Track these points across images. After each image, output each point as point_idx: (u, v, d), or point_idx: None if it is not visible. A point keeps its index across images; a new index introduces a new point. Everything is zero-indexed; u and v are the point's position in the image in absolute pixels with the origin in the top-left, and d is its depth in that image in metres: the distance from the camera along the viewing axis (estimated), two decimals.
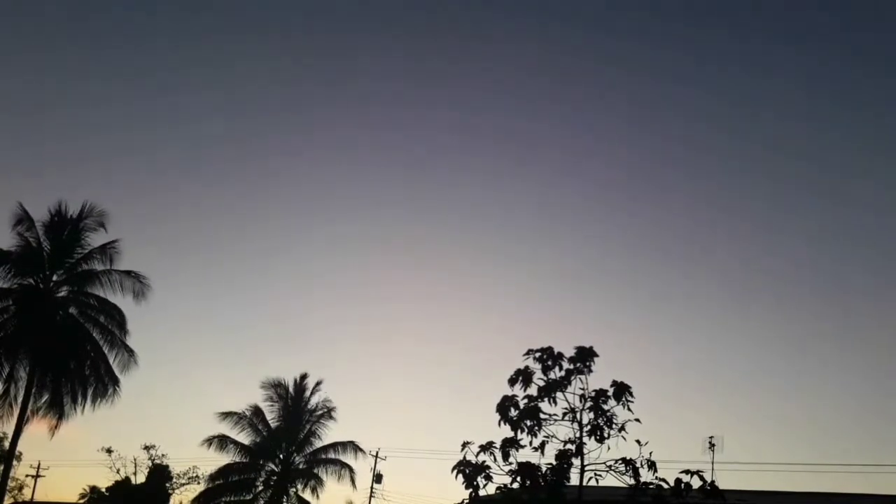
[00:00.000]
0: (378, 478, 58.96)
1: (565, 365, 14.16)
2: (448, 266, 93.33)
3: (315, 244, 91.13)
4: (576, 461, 13.48)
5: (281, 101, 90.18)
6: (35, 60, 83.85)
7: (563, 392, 13.97)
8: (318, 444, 41.00)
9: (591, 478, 13.46)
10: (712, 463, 35.41)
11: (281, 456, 40.76)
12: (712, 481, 13.08)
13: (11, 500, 62.07)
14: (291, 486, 40.10)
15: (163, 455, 59.37)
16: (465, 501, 13.73)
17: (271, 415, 41.24)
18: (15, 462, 49.86)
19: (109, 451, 59.00)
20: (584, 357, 14.10)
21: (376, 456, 58.42)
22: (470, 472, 13.57)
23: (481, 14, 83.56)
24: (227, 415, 40.43)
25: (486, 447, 13.73)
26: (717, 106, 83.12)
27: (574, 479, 13.52)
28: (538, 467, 13.45)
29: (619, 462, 13.18)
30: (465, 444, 13.75)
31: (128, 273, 32.63)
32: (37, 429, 32.82)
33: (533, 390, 14.05)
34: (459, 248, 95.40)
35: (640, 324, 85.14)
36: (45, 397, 31.70)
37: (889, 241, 79.79)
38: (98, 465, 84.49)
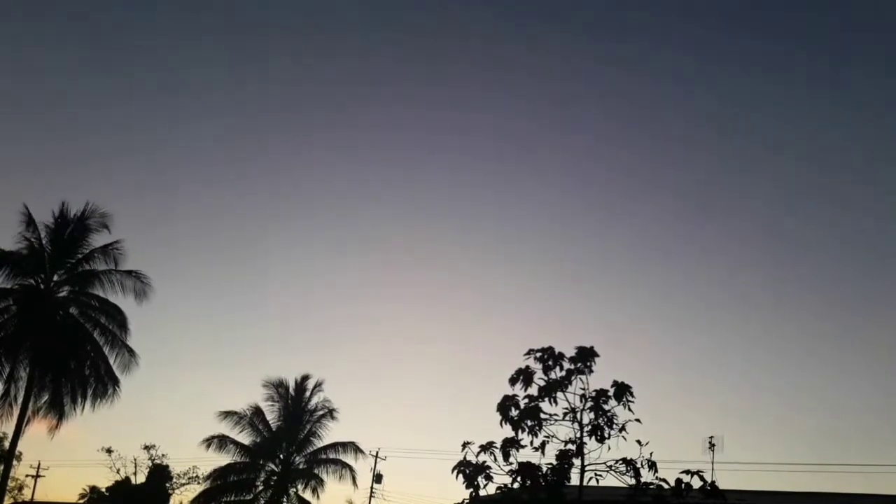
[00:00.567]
0: (378, 478, 59.01)
1: (566, 365, 14.15)
2: (448, 266, 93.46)
3: (315, 244, 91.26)
4: (576, 461, 13.48)
5: (281, 101, 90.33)
6: (35, 60, 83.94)
7: (563, 392, 13.96)
8: (318, 444, 41.04)
9: (591, 478, 13.46)
10: (712, 463, 35.46)
11: (281, 456, 40.76)
12: (712, 481, 13.08)
13: (11, 500, 62.07)
14: (291, 486, 40.11)
15: (163, 455, 59.49)
16: (466, 501, 13.73)
17: (272, 415, 41.30)
18: (15, 462, 49.84)
19: (109, 451, 59.13)
20: (585, 357, 14.10)
21: (376, 456, 58.47)
22: (470, 472, 13.57)
23: (482, 14, 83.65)
24: (227, 415, 40.44)
25: (487, 447, 13.72)
26: (716, 106, 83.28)
27: (574, 479, 13.53)
28: (539, 467, 13.44)
29: (620, 462, 13.18)
30: (465, 444, 13.75)
31: (129, 273, 32.66)
32: (37, 429, 32.88)
33: (533, 390, 14.05)
34: (459, 248, 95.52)
35: (640, 324, 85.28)
36: (46, 397, 31.73)
37: (889, 241, 79.84)
38: (98, 465, 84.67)
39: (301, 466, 40.73)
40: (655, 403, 57.26)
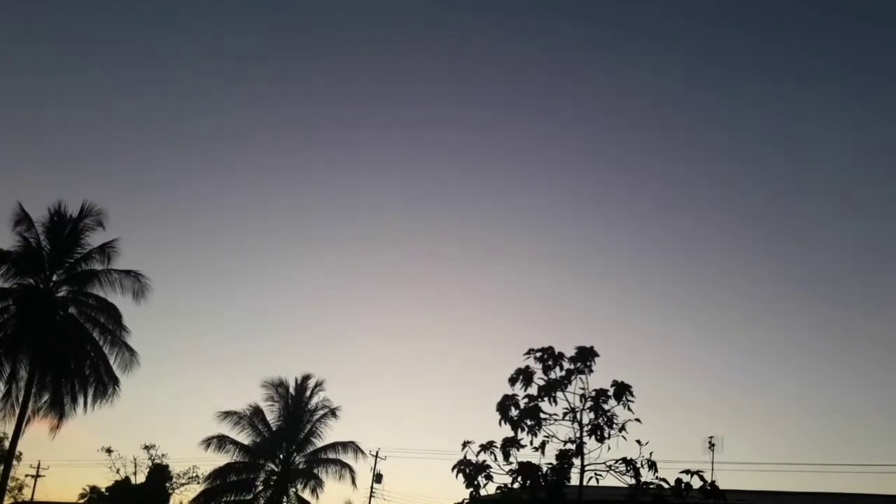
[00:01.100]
0: (378, 478, 58.99)
1: (566, 364, 14.14)
2: (448, 266, 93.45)
3: (315, 244, 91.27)
4: (576, 461, 13.47)
5: (281, 100, 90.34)
6: (35, 60, 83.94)
7: (563, 392, 13.95)
8: (318, 443, 41.00)
9: (591, 478, 13.45)
10: (712, 463, 35.54)
11: (281, 456, 40.74)
12: (712, 481, 13.07)
13: (11, 500, 62.07)
14: (291, 486, 40.08)
15: (163, 455, 59.52)
16: (466, 501, 13.72)
17: (271, 415, 41.26)
18: (15, 462, 49.81)
19: (109, 451, 59.19)
20: (585, 357, 14.09)
21: (376, 456, 58.45)
22: (470, 471, 13.56)
23: (482, 14, 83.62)
24: (227, 415, 40.41)
25: (487, 447, 13.72)
26: (717, 105, 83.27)
27: (574, 479, 13.52)
28: (539, 467, 13.43)
29: (620, 462, 13.16)
30: (465, 444, 13.75)
31: (127, 273, 32.63)
32: (37, 429, 32.86)
33: (533, 390, 14.04)
34: (460, 248, 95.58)
35: (640, 324, 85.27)
36: (46, 397, 31.71)
37: (889, 242, 79.88)
38: (98, 465, 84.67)
39: (301, 466, 40.70)
40: (655, 403, 57.23)
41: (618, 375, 13.80)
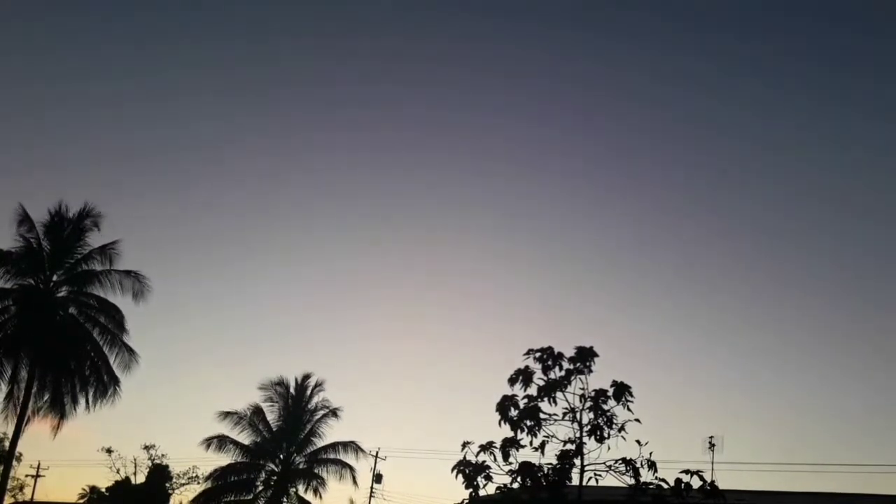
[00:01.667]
0: (378, 478, 59.00)
1: (565, 365, 14.14)
2: (449, 266, 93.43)
3: (316, 244, 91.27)
4: (576, 461, 13.47)
5: (281, 101, 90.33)
6: (35, 61, 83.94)
7: (563, 392, 13.95)
8: (318, 443, 40.99)
9: (591, 478, 13.45)
10: (712, 463, 35.50)
11: (281, 456, 40.74)
12: (712, 481, 13.08)
13: (11, 500, 62.10)
14: (292, 486, 40.08)
15: (163, 455, 59.48)
16: (465, 501, 13.73)
17: (272, 415, 41.25)
18: (15, 462, 49.86)
19: (109, 451, 59.14)
20: (585, 357, 14.09)
21: (376, 456, 58.45)
22: (470, 471, 13.56)
23: (482, 18, 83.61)
24: (227, 414, 40.40)
25: (487, 447, 13.70)
26: (717, 109, 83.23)
27: (574, 479, 13.52)
28: (538, 467, 13.44)
29: (619, 462, 13.16)
30: (465, 444, 13.74)
31: (127, 273, 32.68)
32: (37, 429, 32.89)
33: (533, 390, 14.03)
34: (461, 248, 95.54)
35: (640, 324, 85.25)
36: (46, 397, 31.75)
37: (889, 246, 79.88)
38: (98, 465, 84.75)
39: (301, 466, 40.70)
40: (655, 403, 57.24)
41: (617, 376, 13.83)
